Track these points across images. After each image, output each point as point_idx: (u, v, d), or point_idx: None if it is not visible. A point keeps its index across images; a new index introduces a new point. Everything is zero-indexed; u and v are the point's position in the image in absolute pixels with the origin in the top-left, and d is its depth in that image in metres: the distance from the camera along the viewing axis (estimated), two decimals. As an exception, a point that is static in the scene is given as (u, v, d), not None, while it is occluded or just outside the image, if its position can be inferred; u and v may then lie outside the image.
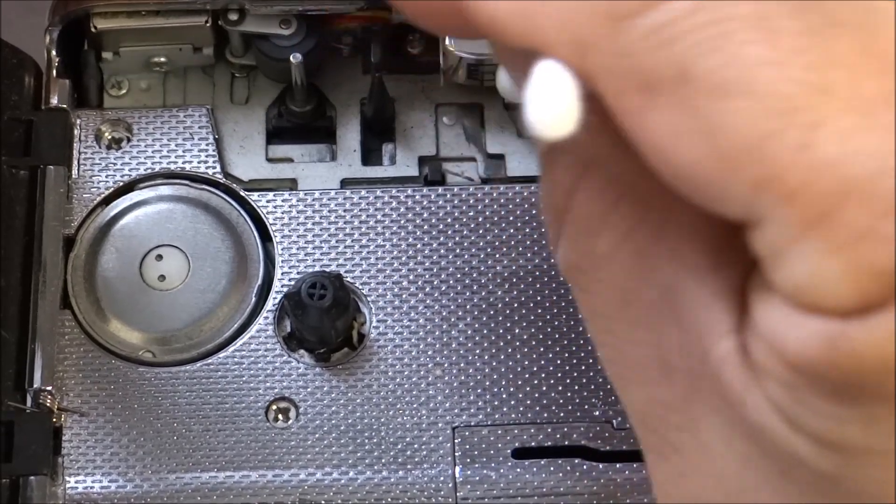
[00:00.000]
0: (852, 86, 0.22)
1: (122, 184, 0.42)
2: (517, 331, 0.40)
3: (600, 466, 0.39)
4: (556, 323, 0.41)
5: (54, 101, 0.43)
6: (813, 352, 0.23)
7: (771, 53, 0.22)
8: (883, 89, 0.22)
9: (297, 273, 0.41)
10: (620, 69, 0.23)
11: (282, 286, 0.41)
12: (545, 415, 0.40)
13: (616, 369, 0.28)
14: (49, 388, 0.40)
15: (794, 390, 0.23)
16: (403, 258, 0.41)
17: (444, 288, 0.41)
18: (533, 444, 0.39)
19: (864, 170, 0.22)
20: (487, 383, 0.40)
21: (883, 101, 0.22)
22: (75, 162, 0.43)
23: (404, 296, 0.41)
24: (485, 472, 0.39)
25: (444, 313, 0.41)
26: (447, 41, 0.42)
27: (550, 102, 0.23)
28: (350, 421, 0.39)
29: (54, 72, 0.43)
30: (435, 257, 0.41)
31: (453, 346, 0.40)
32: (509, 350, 0.40)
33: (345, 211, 0.42)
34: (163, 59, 0.44)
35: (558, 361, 0.40)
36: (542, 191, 0.29)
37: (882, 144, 0.22)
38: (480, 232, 0.41)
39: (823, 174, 0.22)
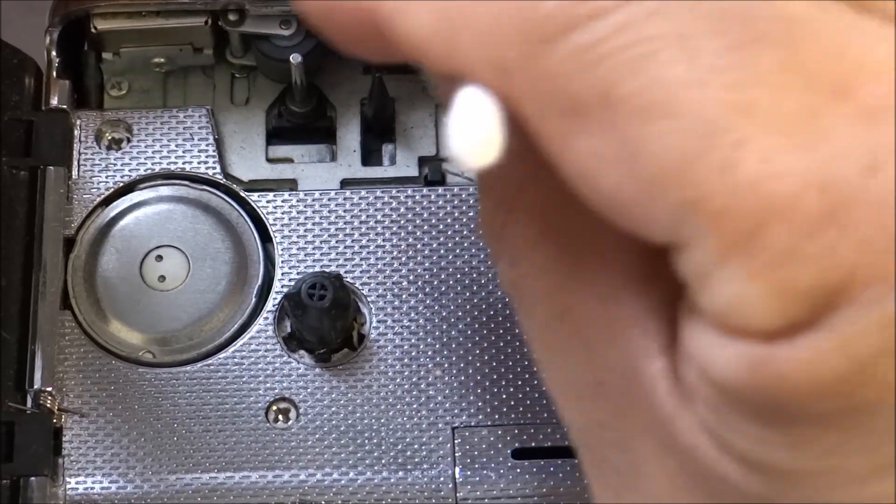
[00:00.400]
0: (773, 103, 0.21)
1: (122, 184, 0.42)
2: (517, 331, 0.40)
3: (600, 467, 0.39)
4: (556, 323, 0.40)
5: (54, 101, 0.43)
6: (738, 375, 0.22)
7: (692, 74, 0.22)
8: (804, 105, 0.21)
9: (297, 273, 0.41)
10: (543, 93, 0.23)
11: (282, 286, 0.41)
12: (545, 415, 0.40)
13: (554, 387, 0.28)
14: (49, 388, 0.40)
15: (722, 412, 0.23)
16: (403, 258, 0.41)
17: (444, 288, 0.41)
18: (533, 444, 0.39)
19: (785, 189, 0.21)
20: (487, 384, 0.40)
21: (804, 117, 0.21)
22: (75, 162, 0.43)
23: (404, 296, 0.41)
24: (485, 472, 0.39)
25: (444, 313, 0.41)
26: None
27: (472, 132, 0.23)
28: (350, 421, 0.40)
29: (54, 72, 0.43)
30: (435, 257, 0.41)
31: (453, 346, 0.40)
32: (509, 350, 0.40)
33: (345, 211, 0.42)
34: (163, 60, 0.44)
35: (558, 362, 0.40)
36: (480, 215, 0.29)
37: (803, 163, 0.21)
38: (480, 232, 0.41)
39: (746, 195, 0.21)
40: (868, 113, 0.21)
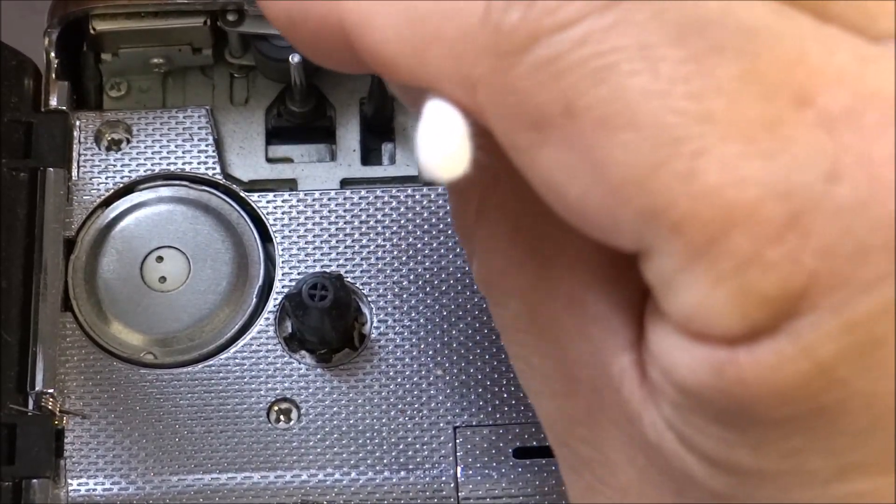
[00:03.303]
0: (734, 113, 0.22)
1: (122, 185, 0.42)
2: (518, 330, 0.40)
3: (602, 465, 0.39)
4: (557, 322, 0.41)
5: (54, 102, 0.43)
6: (701, 379, 0.23)
7: (653, 84, 0.22)
8: (764, 114, 0.22)
9: (298, 274, 0.41)
10: (509, 106, 0.23)
11: (282, 287, 0.41)
12: (546, 414, 0.40)
13: (527, 382, 0.29)
14: (51, 390, 0.40)
15: (686, 413, 0.24)
16: (404, 258, 0.41)
17: (444, 288, 0.41)
18: (535, 443, 0.39)
19: (746, 196, 0.21)
20: (489, 383, 0.40)
21: (764, 125, 0.22)
22: (75, 164, 0.43)
23: (405, 296, 0.41)
24: (486, 472, 0.39)
25: (445, 313, 0.41)
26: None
27: (441, 145, 0.23)
28: (352, 421, 0.40)
29: (53, 73, 0.43)
30: (436, 257, 0.41)
31: (454, 345, 0.40)
32: (510, 349, 0.40)
33: (345, 211, 0.42)
34: (162, 61, 0.44)
35: (559, 360, 0.40)
36: (451, 212, 0.29)
37: (764, 171, 0.21)
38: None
39: (707, 203, 0.22)
40: (828, 120, 0.22)
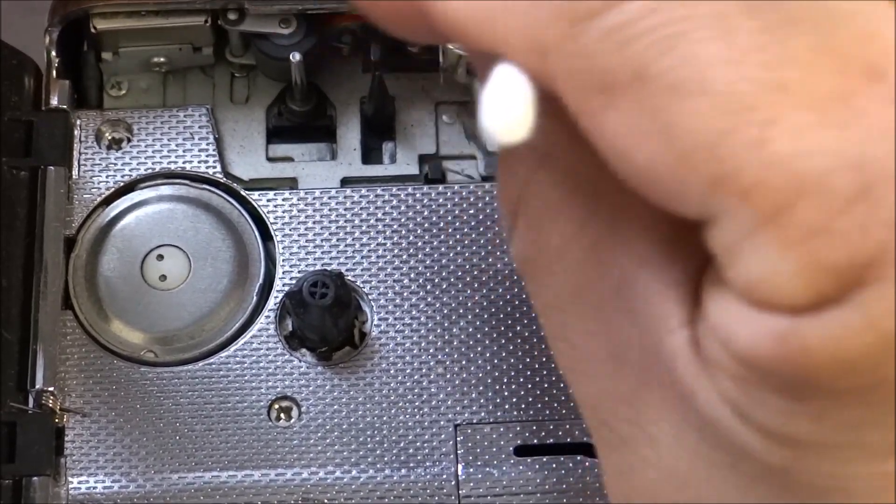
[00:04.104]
0: (808, 84, 0.22)
1: (122, 184, 0.42)
2: (518, 328, 0.40)
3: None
4: (558, 320, 0.40)
5: (54, 101, 0.43)
6: (764, 348, 0.23)
7: (727, 52, 0.22)
8: (838, 87, 0.22)
9: (299, 272, 0.41)
10: (579, 71, 0.23)
11: (283, 285, 0.41)
12: (547, 412, 0.40)
13: (568, 363, 0.29)
14: (51, 388, 0.40)
15: (745, 385, 0.24)
16: (404, 256, 0.41)
17: (445, 286, 0.41)
18: (535, 441, 0.39)
19: (817, 166, 0.22)
20: (489, 381, 0.40)
21: (837, 97, 0.22)
22: (76, 162, 0.43)
23: (405, 294, 0.41)
24: (487, 469, 0.39)
25: (445, 311, 0.41)
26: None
27: (505, 108, 0.24)
28: (352, 419, 0.40)
29: (54, 72, 0.43)
30: (436, 255, 0.41)
31: (455, 343, 0.40)
32: (511, 347, 0.40)
33: (345, 210, 0.42)
34: (162, 59, 0.44)
35: (560, 358, 0.40)
36: (498, 182, 0.29)
37: (836, 141, 0.22)
38: (481, 230, 0.41)
39: (777, 171, 0.22)
40: None
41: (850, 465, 0.24)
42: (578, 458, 0.39)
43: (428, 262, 0.41)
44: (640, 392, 0.26)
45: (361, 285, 0.41)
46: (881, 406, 0.23)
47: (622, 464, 0.27)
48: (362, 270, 0.41)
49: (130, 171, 0.42)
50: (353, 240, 0.41)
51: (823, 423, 0.23)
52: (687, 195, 0.23)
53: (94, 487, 0.39)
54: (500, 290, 0.41)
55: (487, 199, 0.42)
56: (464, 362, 0.40)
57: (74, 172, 0.42)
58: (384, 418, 0.40)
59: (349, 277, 0.41)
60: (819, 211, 0.22)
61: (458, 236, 0.41)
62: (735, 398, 0.24)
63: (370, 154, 0.44)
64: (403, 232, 0.42)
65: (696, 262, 0.25)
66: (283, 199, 0.42)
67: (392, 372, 0.40)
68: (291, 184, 0.43)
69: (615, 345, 0.27)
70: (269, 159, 0.44)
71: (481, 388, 0.40)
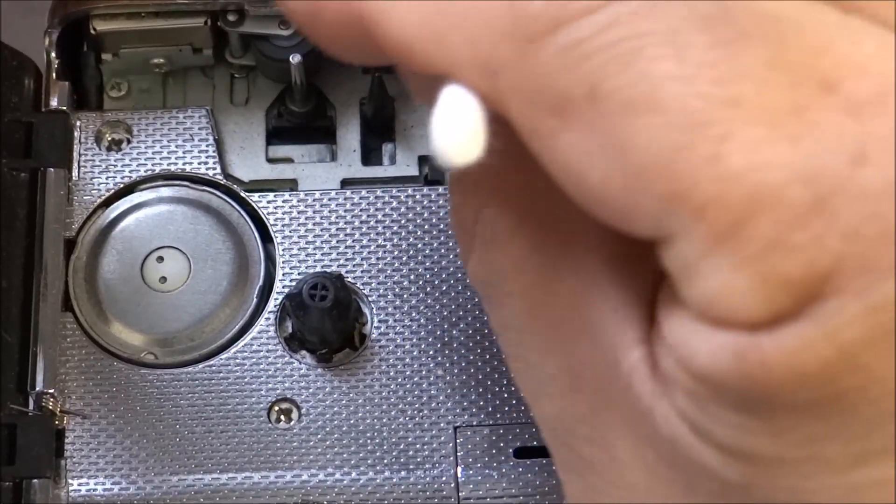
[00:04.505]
0: (760, 98, 0.22)
1: (122, 185, 0.42)
2: (518, 330, 0.40)
3: (602, 465, 0.39)
4: (558, 322, 0.40)
5: (54, 103, 0.43)
6: (723, 364, 0.23)
7: (679, 68, 0.22)
8: (791, 101, 0.22)
9: (299, 274, 0.41)
10: (530, 91, 0.23)
11: (283, 287, 0.41)
12: (547, 414, 0.40)
13: (527, 383, 0.28)
14: (51, 390, 0.40)
15: (702, 402, 0.23)
16: (404, 258, 0.41)
17: (445, 288, 0.41)
18: (535, 443, 0.39)
19: (771, 181, 0.21)
20: (489, 383, 0.40)
21: (790, 111, 0.22)
22: (75, 164, 0.43)
23: (405, 296, 0.41)
24: (487, 471, 0.39)
25: (445, 313, 0.41)
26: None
27: (455, 130, 0.23)
28: (352, 421, 0.40)
29: (54, 74, 0.43)
30: (436, 257, 0.41)
31: (455, 345, 0.40)
32: (511, 349, 0.40)
33: (345, 211, 0.42)
34: (162, 61, 0.44)
35: (560, 360, 0.40)
36: (451, 208, 0.29)
37: (789, 155, 0.21)
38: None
39: (731, 187, 0.22)
40: (853, 106, 0.22)
41: (810, 479, 0.23)
42: (578, 460, 0.39)
43: (428, 264, 0.41)
44: (598, 411, 0.26)
45: (361, 287, 0.41)
46: (839, 419, 0.23)
47: (584, 486, 0.27)
48: (362, 272, 0.41)
49: (130, 172, 0.42)
50: (353, 241, 0.41)
51: (782, 438, 0.23)
52: (640, 215, 0.23)
53: (95, 489, 0.39)
54: (500, 292, 0.41)
55: (487, 200, 0.42)
56: (464, 364, 0.40)
57: (74, 174, 0.42)
58: (384, 420, 0.40)
59: (349, 279, 0.41)
60: (774, 225, 0.21)
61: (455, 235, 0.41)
62: (692, 415, 0.24)
63: (370, 155, 0.44)
64: (403, 233, 0.42)
65: (650, 279, 0.25)
66: (283, 201, 0.42)
67: (392, 374, 0.40)
68: (291, 185, 0.43)
69: (572, 364, 0.27)
70: (269, 161, 0.44)
71: (481, 390, 0.40)
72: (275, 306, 0.41)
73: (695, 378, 0.23)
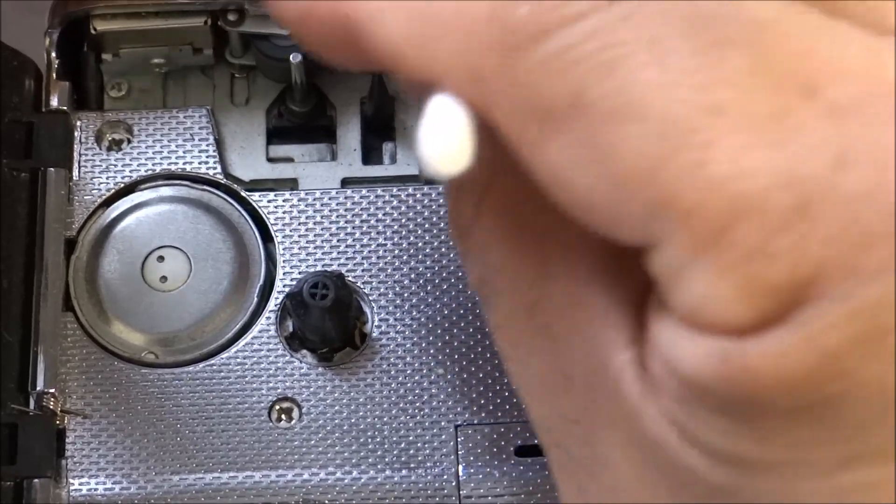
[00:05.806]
0: (743, 104, 0.22)
1: (122, 185, 0.42)
2: (519, 329, 0.40)
3: (604, 464, 0.39)
4: (559, 320, 0.40)
5: (54, 103, 0.43)
6: (707, 370, 0.23)
7: (662, 76, 0.22)
8: (773, 106, 0.22)
9: (299, 273, 0.41)
10: (516, 100, 0.23)
11: (283, 286, 0.41)
12: (548, 412, 0.40)
13: (521, 382, 0.29)
14: (52, 390, 0.40)
15: (689, 405, 0.24)
16: (405, 257, 0.41)
17: (446, 286, 0.41)
18: (536, 441, 0.39)
19: (754, 187, 0.22)
20: (490, 381, 0.40)
21: (772, 116, 0.22)
22: (76, 164, 0.43)
23: (406, 294, 0.41)
24: (488, 470, 0.39)
25: (446, 312, 0.41)
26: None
27: (443, 140, 0.24)
28: (353, 420, 0.40)
29: (54, 74, 0.43)
30: (437, 255, 0.41)
31: (455, 344, 0.40)
32: (512, 348, 0.40)
33: (346, 210, 0.42)
34: (162, 61, 0.44)
35: (561, 359, 0.40)
36: (447, 213, 0.29)
37: (772, 161, 0.22)
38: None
39: (715, 193, 0.22)
40: (836, 110, 0.22)
41: (796, 483, 0.24)
42: (579, 458, 0.39)
43: (429, 263, 0.41)
44: (589, 412, 0.26)
45: (362, 286, 0.41)
46: (824, 423, 0.23)
47: (575, 486, 0.28)
48: (363, 271, 0.41)
49: (131, 172, 0.42)
50: (353, 240, 0.41)
51: (768, 442, 0.23)
52: (626, 222, 0.23)
53: (96, 489, 0.39)
54: (501, 291, 0.41)
55: (488, 199, 0.42)
56: (464, 363, 0.40)
57: (75, 174, 0.42)
58: (385, 419, 0.40)
59: (350, 278, 0.41)
60: (757, 231, 0.22)
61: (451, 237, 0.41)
62: (679, 419, 0.24)
63: (370, 154, 0.44)
64: (404, 232, 0.42)
65: (642, 282, 0.25)
66: (284, 200, 0.42)
67: (393, 373, 0.40)
68: (292, 185, 0.43)
69: (564, 365, 0.27)
70: (270, 160, 0.44)
71: (482, 388, 0.40)
72: (275, 305, 0.41)
73: (681, 382, 0.23)
